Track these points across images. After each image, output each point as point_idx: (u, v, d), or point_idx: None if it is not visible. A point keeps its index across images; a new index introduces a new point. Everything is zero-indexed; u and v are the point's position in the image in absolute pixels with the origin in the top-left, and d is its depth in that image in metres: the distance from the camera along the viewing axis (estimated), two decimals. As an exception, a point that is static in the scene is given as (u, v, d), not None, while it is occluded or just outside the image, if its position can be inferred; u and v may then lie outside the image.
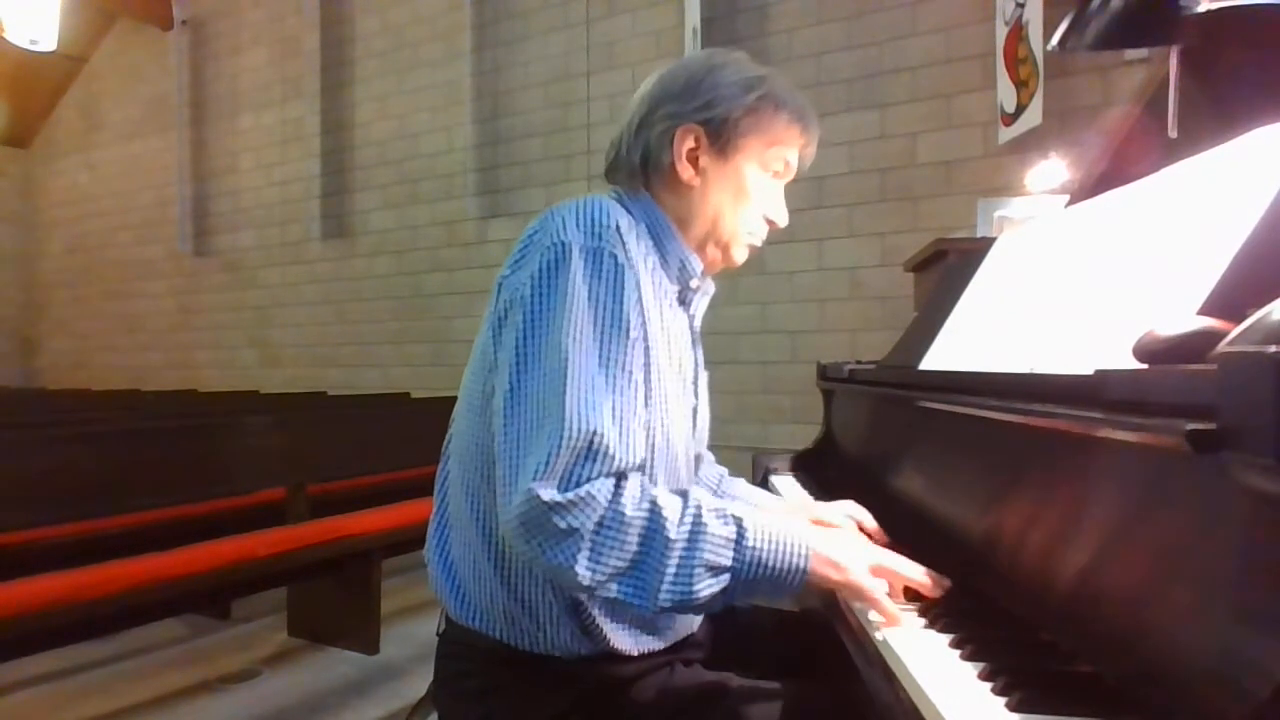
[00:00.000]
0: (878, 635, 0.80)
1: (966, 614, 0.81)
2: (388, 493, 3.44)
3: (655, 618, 0.97)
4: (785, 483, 1.67)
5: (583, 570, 0.79)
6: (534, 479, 0.78)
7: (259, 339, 7.59)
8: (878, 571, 0.86)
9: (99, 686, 2.61)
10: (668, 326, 0.97)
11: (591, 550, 0.79)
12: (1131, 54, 3.65)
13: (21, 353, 9.64)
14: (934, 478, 1.19)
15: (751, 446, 4.34)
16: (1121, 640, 0.65)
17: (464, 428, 0.97)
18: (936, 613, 0.83)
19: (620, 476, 0.83)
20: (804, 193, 4.92)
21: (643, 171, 1.01)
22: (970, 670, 0.69)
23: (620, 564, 0.80)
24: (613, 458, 0.81)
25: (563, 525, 0.78)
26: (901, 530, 1.13)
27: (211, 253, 7.94)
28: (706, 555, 0.81)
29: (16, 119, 9.36)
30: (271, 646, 2.96)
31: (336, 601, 2.93)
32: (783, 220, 1.07)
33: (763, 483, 1.71)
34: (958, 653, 0.73)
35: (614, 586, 0.81)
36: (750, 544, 0.83)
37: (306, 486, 3.11)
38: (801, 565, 0.84)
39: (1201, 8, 1.04)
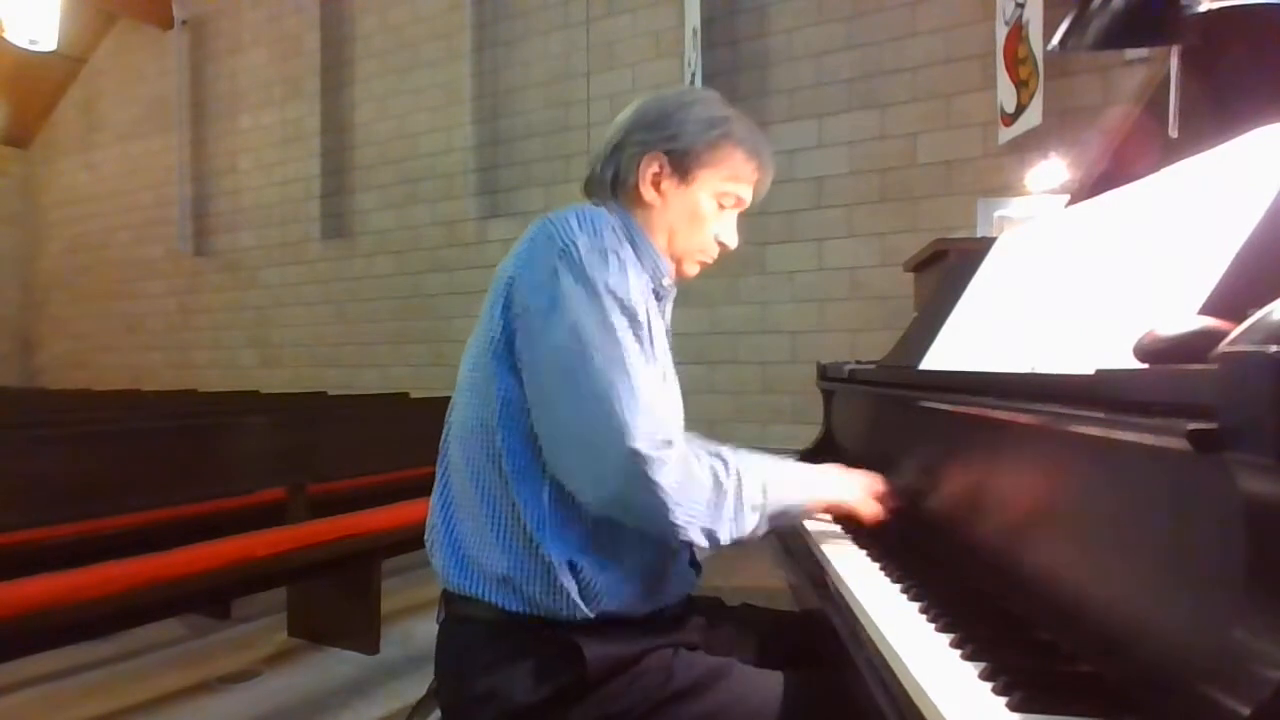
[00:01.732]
0: (879, 631, 0.80)
1: (966, 614, 0.81)
2: (388, 493, 3.43)
3: (651, 578, 1.05)
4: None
5: (677, 517, 0.93)
6: (624, 441, 0.90)
7: (259, 339, 7.59)
8: (859, 495, 1.13)
9: (99, 686, 2.61)
10: (653, 315, 1.07)
11: (679, 501, 0.93)
12: (1131, 54, 3.66)
13: (21, 353, 9.65)
14: (934, 478, 1.19)
15: (751, 446, 4.35)
16: (1121, 640, 0.65)
17: (465, 411, 1.05)
18: (937, 613, 0.83)
19: (680, 439, 0.96)
20: (804, 193, 4.93)
21: (612, 189, 1.14)
22: (970, 670, 0.69)
23: (698, 509, 0.95)
24: (664, 419, 0.94)
25: (661, 480, 0.91)
26: (901, 530, 1.13)
27: (211, 253, 7.94)
28: (748, 496, 1.00)
29: (16, 119, 9.37)
30: (271, 646, 2.96)
31: (336, 601, 2.93)
32: (732, 243, 1.19)
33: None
34: (958, 653, 0.73)
35: (691, 530, 0.95)
36: (771, 484, 1.03)
37: (306, 486, 3.11)
38: (804, 497, 1.08)
39: (1201, 8, 1.04)
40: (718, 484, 0.97)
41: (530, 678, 0.97)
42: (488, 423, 1.01)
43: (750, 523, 1.00)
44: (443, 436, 1.10)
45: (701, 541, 0.96)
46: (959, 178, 4.47)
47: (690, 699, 0.97)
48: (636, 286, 1.00)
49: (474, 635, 1.01)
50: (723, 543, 0.98)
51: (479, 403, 1.02)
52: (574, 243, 0.98)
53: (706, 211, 1.14)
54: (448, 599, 1.06)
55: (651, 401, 0.93)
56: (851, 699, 0.84)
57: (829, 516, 1.23)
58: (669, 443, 0.94)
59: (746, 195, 1.17)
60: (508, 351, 1.00)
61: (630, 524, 0.97)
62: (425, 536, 1.10)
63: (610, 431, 0.91)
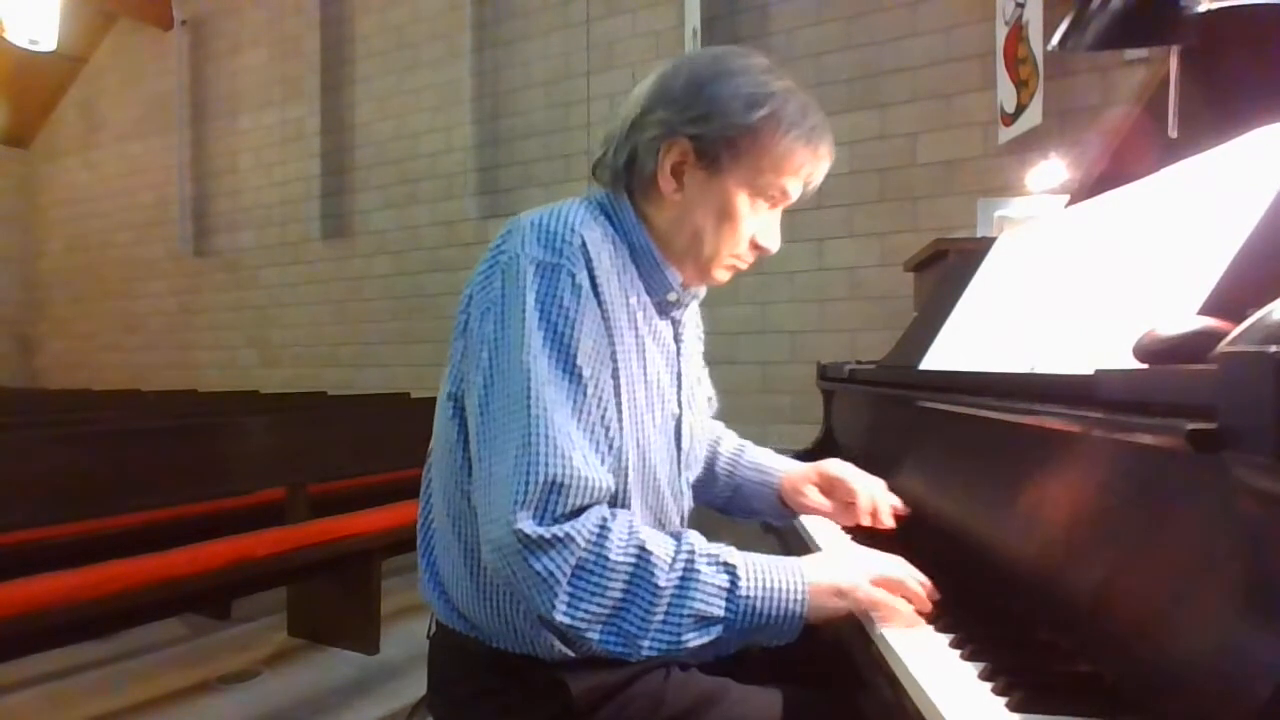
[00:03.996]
0: (879, 631, 0.80)
1: (966, 614, 0.81)
2: (388, 493, 3.43)
3: None
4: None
5: (560, 614, 0.77)
6: (511, 510, 0.76)
7: (259, 339, 7.59)
8: (879, 582, 0.84)
9: (99, 686, 2.61)
10: (642, 340, 0.93)
11: (571, 594, 0.76)
12: (1131, 54, 3.65)
13: (21, 353, 9.64)
14: (934, 478, 1.19)
15: (751, 446, 4.34)
16: (1121, 640, 0.65)
17: (439, 435, 0.96)
18: (937, 612, 0.83)
19: (605, 514, 0.80)
20: (804, 193, 4.93)
21: (626, 175, 0.95)
22: (970, 670, 0.69)
23: (601, 610, 0.78)
24: (583, 482, 0.79)
25: (538, 567, 0.76)
26: (902, 530, 1.13)
27: (211, 253, 7.94)
28: (697, 605, 0.79)
29: (16, 119, 9.36)
30: (271, 646, 2.96)
31: (336, 601, 2.93)
32: (773, 246, 0.97)
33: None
34: (958, 653, 0.73)
35: (593, 633, 0.78)
36: (744, 593, 0.80)
37: (306, 486, 3.11)
38: (799, 611, 0.82)
39: (1201, 8, 1.04)
40: (644, 579, 0.77)
41: (515, 712, 0.89)
42: (454, 458, 0.91)
43: (693, 638, 0.79)
44: (429, 449, 1.00)
45: (608, 649, 0.79)
46: (959, 178, 4.47)
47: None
48: (594, 314, 0.84)
49: (458, 665, 0.95)
50: (644, 654, 0.79)
51: (448, 434, 0.92)
52: (521, 257, 0.84)
53: (741, 209, 0.92)
54: (436, 622, 1.00)
55: (564, 464, 0.77)
56: (851, 714, 0.84)
57: (831, 524, 1.23)
58: (597, 511, 0.79)
59: (794, 189, 0.95)
60: (459, 374, 0.91)
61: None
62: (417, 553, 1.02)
63: (494, 494, 0.79)
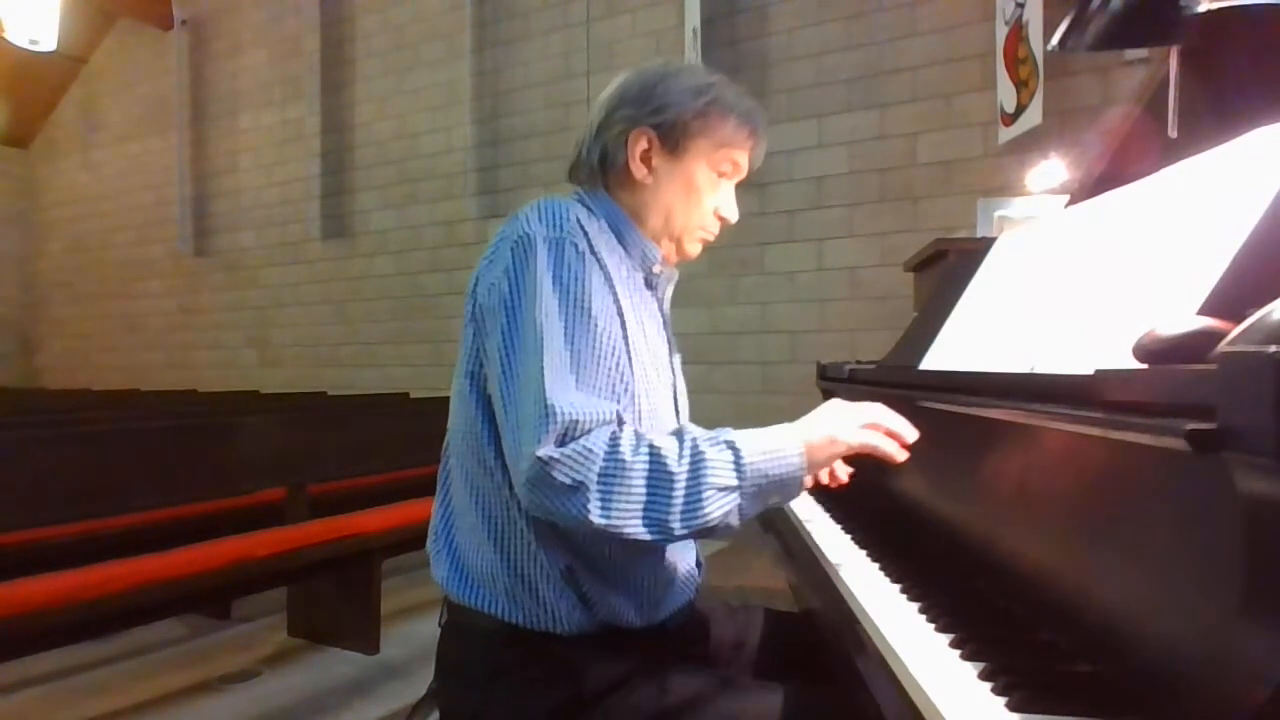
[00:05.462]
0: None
1: (967, 614, 0.81)
2: (388, 493, 3.43)
3: (651, 585, 1.02)
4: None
5: (596, 517, 0.85)
6: (535, 444, 0.85)
7: (259, 339, 7.59)
8: (868, 426, 0.96)
9: (99, 686, 2.61)
10: (638, 309, 1.04)
11: (601, 498, 0.85)
12: (1131, 54, 3.66)
13: (21, 353, 9.64)
14: (934, 478, 1.19)
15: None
16: (1121, 640, 0.65)
17: (457, 420, 1.03)
18: (936, 612, 0.83)
19: (613, 428, 0.89)
20: (804, 193, 4.93)
21: (601, 171, 1.09)
22: (970, 670, 0.69)
23: (631, 505, 0.86)
24: (598, 416, 0.88)
25: (567, 480, 0.84)
26: (902, 530, 1.13)
27: (211, 253, 7.94)
28: (711, 479, 0.87)
29: (16, 119, 9.37)
30: (271, 646, 2.96)
31: (336, 601, 2.93)
32: (733, 216, 1.13)
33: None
34: (958, 653, 0.73)
35: (629, 528, 0.86)
36: (747, 460, 0.89)
37: (306, 486, 3.11)
38: (799, 462, 0.91)
39: (1201, 8, 1.04)
40: (659, 468, 0.87)
41: (526, 693, 0.95)
42: (475, 431, 0.99)
43: (718, 508, 0.87)
44: (444, 444, 1.08)
45: (647, 537, 0.87)
46: (959, 178, 4.47)
47: (686, 716, 0.93)
48: (599, 277, 0.96)
49: (472, 647, 1.00)
50: (678, 534, 0.88)
51: (466, 411, 1.00)
52: (528, 234, 0.95)
53: (702, 184, 1.08)
54: (448, 605, 1.05)
55: (581, 404, 0.87)
56: (851, 712, 0.84)
57: (829, 515, 1.23)
58: (584, 434, 0.87)
59: (743, 162, 1.11)
60: (474, 354, 0.99)
61: (558, 523, 0.91)
62: (427, 544, 1.09)
63: (521, 434, 0.88)
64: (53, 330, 9.55)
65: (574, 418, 0.86)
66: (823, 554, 1.10)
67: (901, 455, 0.96)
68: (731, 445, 0.90)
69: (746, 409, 5.04)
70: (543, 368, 0.88)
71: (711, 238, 1.14)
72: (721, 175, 1.10)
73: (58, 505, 2.32)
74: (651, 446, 0.87)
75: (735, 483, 0.88)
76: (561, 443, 0.85)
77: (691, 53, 5.06)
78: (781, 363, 4.99)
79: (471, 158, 6.21)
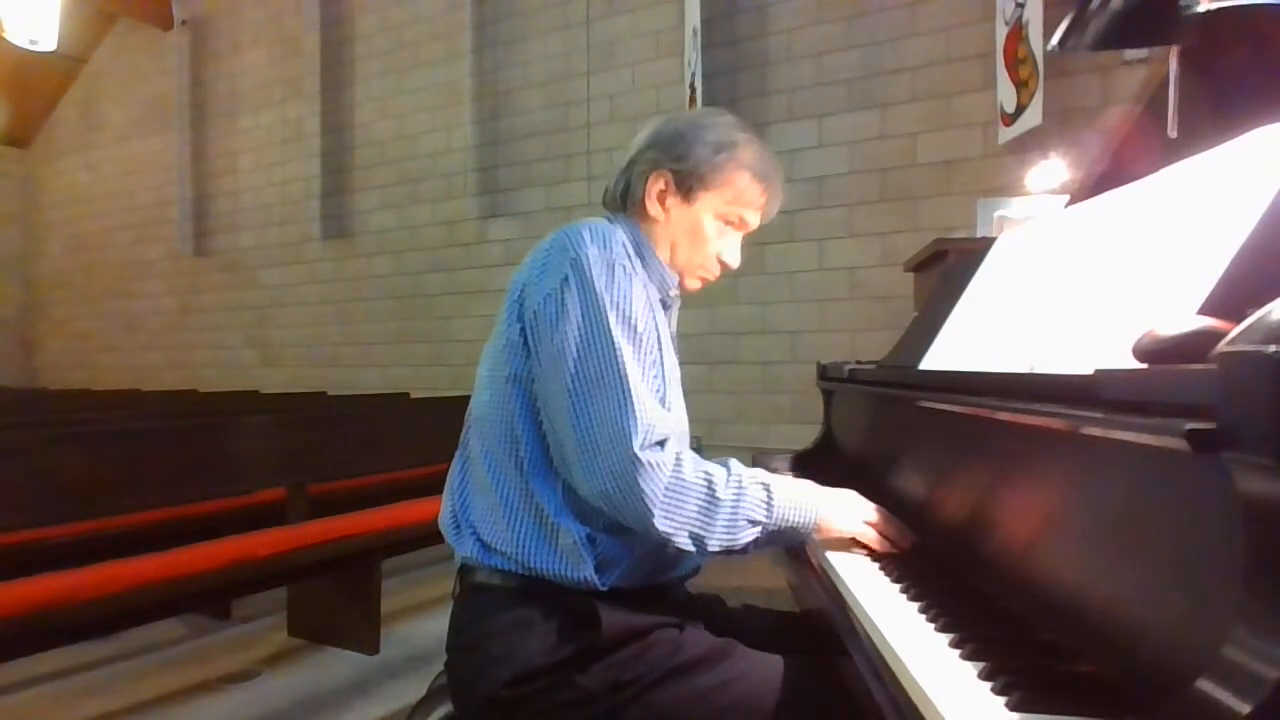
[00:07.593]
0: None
1: (966, 614, 0.81)
2: (388, 493, 3.43)
3: (664, 553, 1.11)
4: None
5: (659, 523, 0.98)
6: (629, 442, 0.97)
7: (259, 339, 7.59)
8: (871, 525, 1.10)
9: (99, 686, 2.61)
10: (661, 325, 1.14)
11: (665, 508, 0.98)
12: (1131, 54, 3.65)
13: (21, 353, 9.64)
14: (934, 478, 1.19)
15: (751, 446, 4.34)
16: (1121, 640, 0.65)
17: (485, 409, 1.12)
18: (936, 612, 0.83)
19: (678, 449, 1.02)
20: (804, 193, 4.93)
21: (622, 202, 1.21)
22: (970, 670, 0.69)
23: (685, 519, 1.00)
24: (664, 421, 1.01)
25: (644, 487, 0.97)
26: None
27: (211, 253, 7.94)
28: (747, 511, 1.02)
29: (16, 119, 9.37)
30: (271, 646, 2.96)
31: (336, 601, 2.93)
32: (734, 263, 1.24)
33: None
34: (958, 653, 0.73)
35: (679, 537, 1.00)
36: (777, 502, 1.04)
37: (306, 486, 3.11)
38: (813, 518, 1.07)
39: (1201, 8, 1.04)
40: (711, 494, 1.00)
41: (545, 640, 1.01)
42: (507, 420, 1.08)
43: (746, 537, 1.02)
44: (463, 429, 1.17)
45: (688, 547, 1.01)
46: (959, 178, 4.47)
47: (697, 671, 1.01)
48: (640, 298, 1.06)
49: (492, 602, 1.07)
50: (710, 551, 1.02)
51: (498, 402, 1.09)
52: (584, 254, 1.05)
53: (708, 231, 1.18)
54: (465, 572, 1.11)
55: (646, 406, 0.99)
56: (849, 685, 0.85)
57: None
58: (662, 445, 0.99)
59: (752, 219, 1.21)
60: (524, 354, 1.07)
61: (617, 518, 1.02)
62: (440, 518, 1.16)
63: (607, 434, 0.98)
64: (53, 330, 9.54)
65: (652, 422, 0.99)
66: (823, 554, 1.10)
67: (885, 549, 1.09)
68: (766, 486, 1.04)
69: (746, 409, 5.04)
70: (619, 377, 0.99)
71: (712, 278, 1.25)
72: (729, 225, 1.20)
73: (58, 505, 2.33)
74: (706, 472, 1.01)
75: (764, 518, 1.03)
76: (646, 443, 0.97)
77: (691, 53, 5.06)
78: (781, 363, 4.99)
79: (471, 158, 6.21)
